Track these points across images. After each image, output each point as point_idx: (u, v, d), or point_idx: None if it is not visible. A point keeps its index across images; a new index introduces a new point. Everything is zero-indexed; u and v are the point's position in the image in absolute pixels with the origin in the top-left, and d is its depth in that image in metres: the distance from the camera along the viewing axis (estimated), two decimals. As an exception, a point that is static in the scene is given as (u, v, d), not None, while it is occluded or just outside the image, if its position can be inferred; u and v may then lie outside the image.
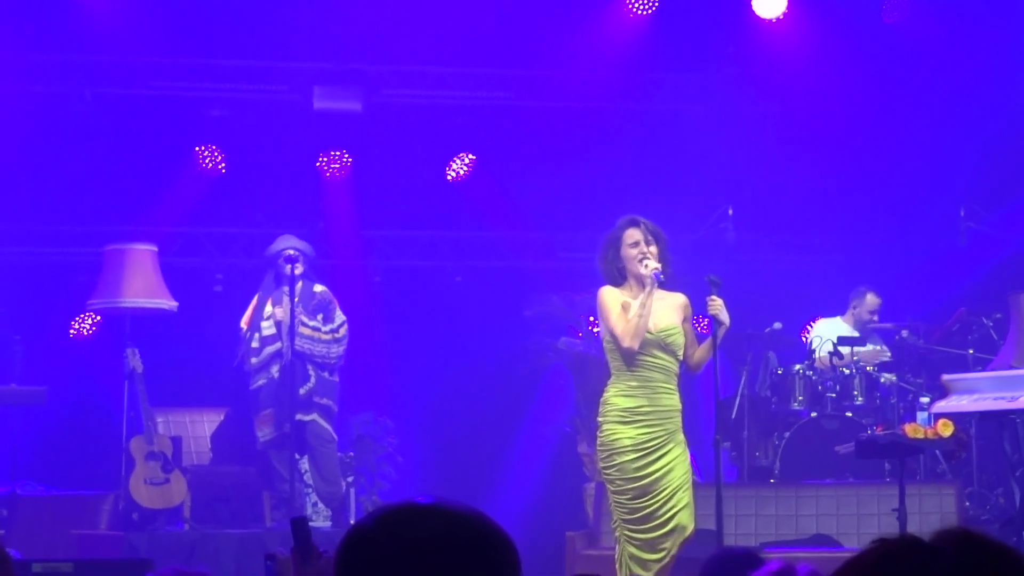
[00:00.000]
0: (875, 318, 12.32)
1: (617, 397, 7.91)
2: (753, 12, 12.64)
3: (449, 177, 13.75)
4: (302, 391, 11.05)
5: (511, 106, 13.43)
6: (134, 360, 11.07)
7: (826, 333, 12.07)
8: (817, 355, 11.78)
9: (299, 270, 11.12)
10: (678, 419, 7.97)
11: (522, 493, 12.89)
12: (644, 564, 7.82)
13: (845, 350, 11.73)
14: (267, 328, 11.13)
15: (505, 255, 13.82)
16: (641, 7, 12.77)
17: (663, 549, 7.84)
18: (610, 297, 7.98)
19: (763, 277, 13.03)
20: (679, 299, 8.07)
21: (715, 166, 12.90)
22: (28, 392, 11.14)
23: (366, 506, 11.53)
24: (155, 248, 11.63)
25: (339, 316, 11.31)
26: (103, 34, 12.32)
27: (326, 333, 11.20)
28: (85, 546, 10.69)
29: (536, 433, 13.17)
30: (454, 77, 13.27)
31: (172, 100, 13.00)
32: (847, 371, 11.65)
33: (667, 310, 7.96)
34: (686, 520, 7.86)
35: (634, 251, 7.94)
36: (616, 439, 7.86)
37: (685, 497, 7.88)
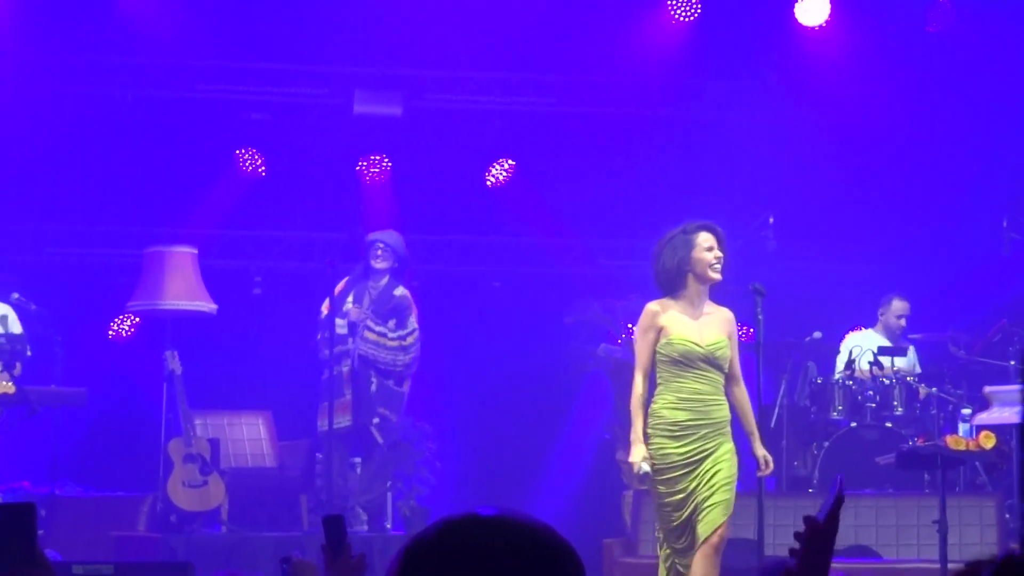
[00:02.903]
0: (902, 323, 12.24)
1: (665, 409, 7.78)
2: (795, 20, 12.61)
3: (489, 182, 13.75)
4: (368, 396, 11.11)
5: (551, 112, 13.42)
6: (173, 362, 11.09)
7: (860, 346, 12.04)
8: (858, 365, 11.72)
9: (381, 264, 11.13)
10: (726, 430, 7.82)
11: (560, 500, 12.86)
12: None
13: (886, 361, 11.67)
14: (340, 327, 11.07)
15: (544, 261, 13.80)
16: (683, 14, 12.74)
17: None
18: (646, 319, 7.86)
19: (803, 286, 12.97)
20: (726, 314, 7.93)
21: (756, 174, 12.85)
22: (68, 393, 11.16)
23: (403, 511, 11.53)
24: (195, 250, 11.67)
25: (411, 323, 11.20)
26: (145, 37, 12.37)
27: (393, 340, 11.13)
28: (124, 548, 10.71)
29: (574, 440, 13.14)
30: (494, 82, 13.26)
31: (213, 103, 13.03)
32: (887, 381, 11.60)
33: (715, 324, 7.84)
34: (718, 515, 7.69)
35: (709, 255, 7.79)
36: (665, 454, 7.73)
37: (722, 494, 7.67)
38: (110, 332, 13.05)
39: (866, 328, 12.39)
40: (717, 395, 7.80)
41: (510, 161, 13.70)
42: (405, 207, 13.54)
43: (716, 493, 7.70)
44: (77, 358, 11.47)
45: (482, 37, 12.58)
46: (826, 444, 11.44)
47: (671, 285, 7.87)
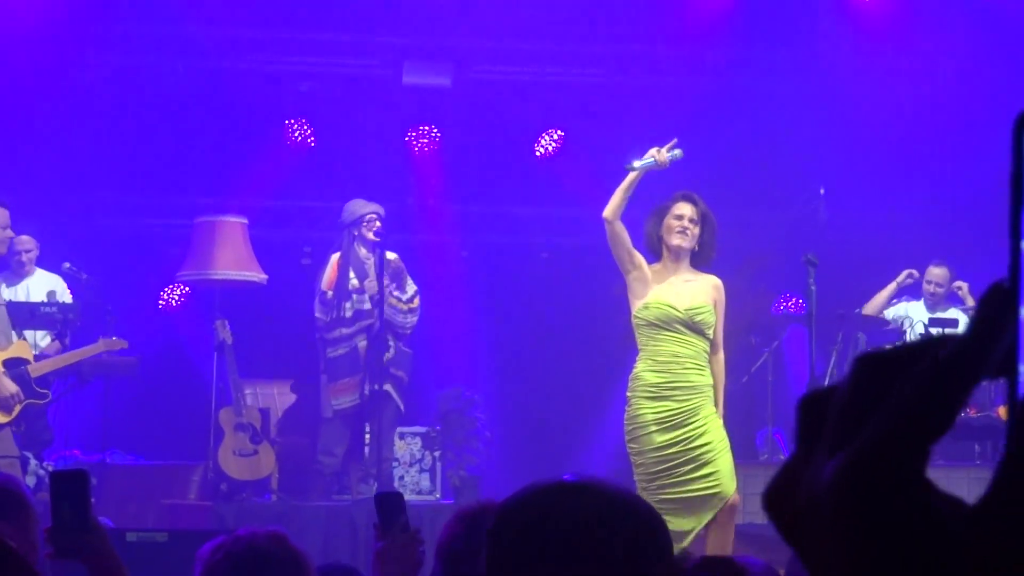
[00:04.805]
0: (938, 290, 12.12)
1: (645, 372, 7.94)
2: (848, -11, 12.53)
3: (538, 153, 13.72)
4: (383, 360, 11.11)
5: (600, 83, 13.37)
6: (224, 331, 11.14)
7: (908, 317, 11.99)
8: (908, 337, 11.66)
9: (377, 237, 11.15)
10: (707, 394, 7.89)
11: (608, 471, 12.85)
12: (676, 536, 7.63)
13: (936, 332, 11.60)
14: (362, 302, 11.10)
15: (593, 232, 13.72)
16: (734, -17, 12.67)
17: (695, 516, 7.74)
18: (643, 264, 8.09)
19: (855, 258, 12.89)
20: (712, 281, 8.07)
21: (808, 145, 12.77)
22: (120, 362, 11.21)
23: (453, 481, 11.54)
24: (245, 220, 11.70)
25: (411, 286, 11.25)
26: (195, 7, 12.38)
27: (403, 304, 11.18)
28: (174, 516, 10.78)
29: (623, 412, 13.10)
30: (544, 53, 13.21)
31: (263, 74, 13.04)
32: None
33: (698, 290, 7.97)
34: (726, 486, 7.74)
35: (675, 223, 7.99)
36: (641, 414, 7.86)
37: (721, 462, 7.78)
38: (160, 302, 13.11)
39: (911, 299, 12.31)
40: (697, 359, 7.88)
41: (559, 132, 13.66)
42: (454, 178, 13.55)
43: (716, 461, 7.71)
44: (128, 327, 11.51)
45: (531, 8, 12.53)
46: (877, 416, 11.37)
47: (653, 252, 8.11)
